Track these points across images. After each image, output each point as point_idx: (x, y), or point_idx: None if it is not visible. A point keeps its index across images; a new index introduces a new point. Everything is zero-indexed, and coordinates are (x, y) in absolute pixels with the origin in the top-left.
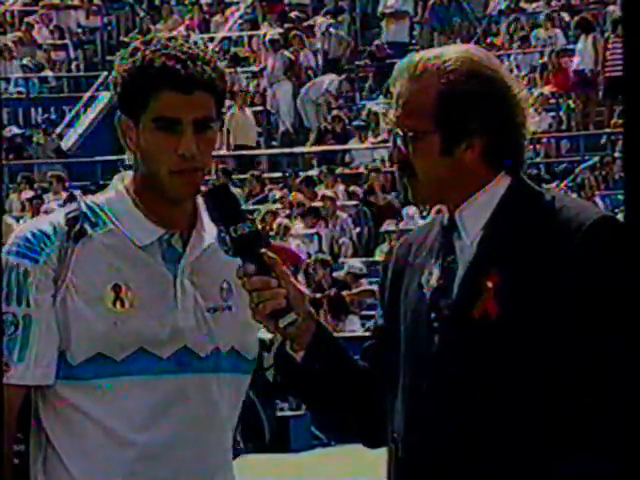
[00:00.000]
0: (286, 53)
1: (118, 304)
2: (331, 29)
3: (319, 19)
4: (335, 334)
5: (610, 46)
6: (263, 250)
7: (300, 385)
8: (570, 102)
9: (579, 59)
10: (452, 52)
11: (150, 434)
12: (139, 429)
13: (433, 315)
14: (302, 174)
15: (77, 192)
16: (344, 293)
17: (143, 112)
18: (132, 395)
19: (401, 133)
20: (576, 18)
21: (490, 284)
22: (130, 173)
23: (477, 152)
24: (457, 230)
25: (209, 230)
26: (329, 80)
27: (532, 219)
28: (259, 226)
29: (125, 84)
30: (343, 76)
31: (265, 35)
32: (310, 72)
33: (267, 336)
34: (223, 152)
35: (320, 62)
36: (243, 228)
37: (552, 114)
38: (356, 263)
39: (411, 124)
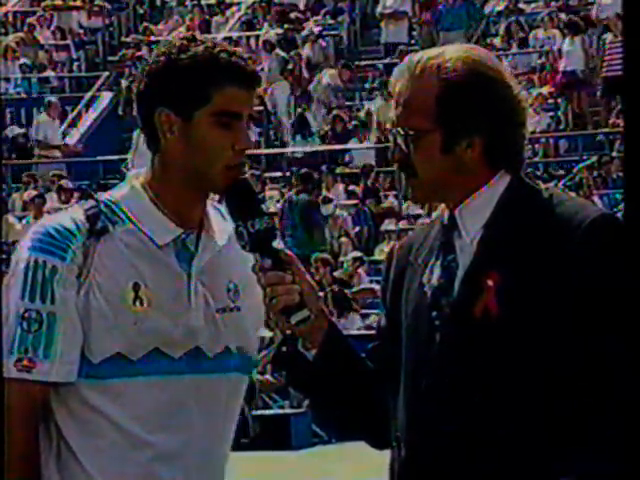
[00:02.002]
0: (281, 53)
1: (138, 303)
2: (320, 40)
3: (311, 24)
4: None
5: (608, 46)
6: (280, 246)
7: (310, 383)
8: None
9: (567, 60)
10: (452, 51)
11: (165, 434)
12: (154, 429)
13: (434, 314)
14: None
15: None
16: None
17: (201, 106)
18: (146, 395)
19: (402, 132)
20: (564, 19)
21: (490, 282)
22: (144, 171)
23: (477, 151)
24: (457, 229)
25: (217, 230)
26: (329, 74)
27: (532, 217)
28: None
29: (182, 78)
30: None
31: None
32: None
33: (267, 334)
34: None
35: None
36: (261, 223)
37: (550, 114)
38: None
39: (412, 123)
